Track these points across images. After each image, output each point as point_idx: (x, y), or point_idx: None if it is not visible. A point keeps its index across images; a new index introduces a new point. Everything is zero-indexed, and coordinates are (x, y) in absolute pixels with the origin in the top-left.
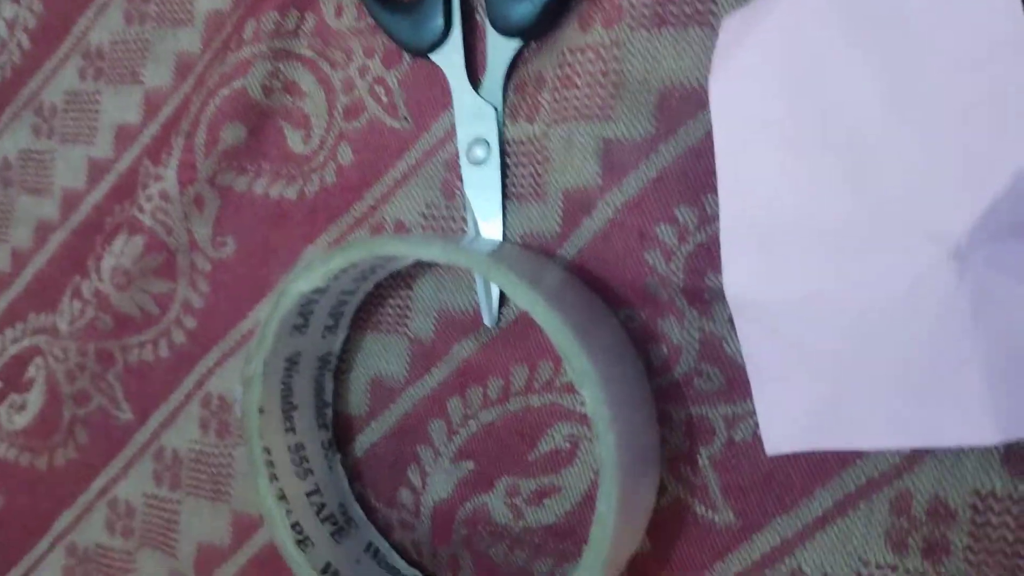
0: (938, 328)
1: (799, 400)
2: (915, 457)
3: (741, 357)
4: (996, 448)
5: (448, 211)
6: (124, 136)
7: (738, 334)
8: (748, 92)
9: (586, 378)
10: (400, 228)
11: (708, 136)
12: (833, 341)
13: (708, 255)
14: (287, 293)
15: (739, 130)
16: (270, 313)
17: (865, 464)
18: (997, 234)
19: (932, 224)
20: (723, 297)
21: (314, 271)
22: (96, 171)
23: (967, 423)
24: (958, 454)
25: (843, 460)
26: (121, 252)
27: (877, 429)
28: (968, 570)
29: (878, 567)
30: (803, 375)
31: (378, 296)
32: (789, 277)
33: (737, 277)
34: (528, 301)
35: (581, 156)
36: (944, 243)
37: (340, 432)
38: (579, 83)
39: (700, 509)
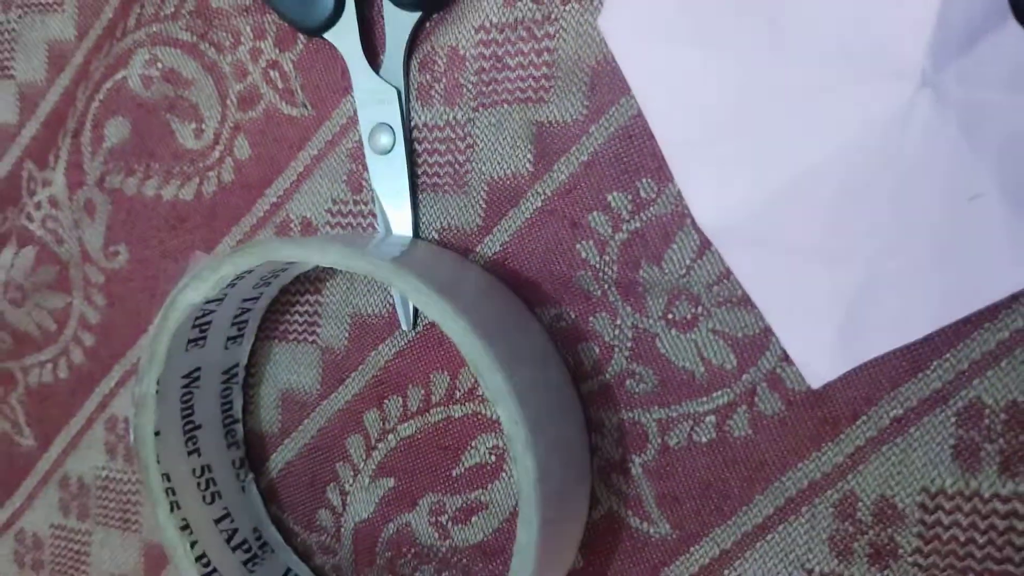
0: (936, 170)
1: (826, 313)
2: (860, 456)
3: (674, 356)
4: (946, 442)
5: (357, 206)
6: (2, 137)
7: (733, 270)
8: (643, 10)
9: (500, 395)
10: (307, 226)
11: (640, 115)
12: (831, 232)
13: (643, 243)
14: (175, 305)
15: (646, 53)
16: (159, 327)
17: (807, 466)
18: (958, 46)
19: (887, 63)
20: (656, 288)
21: (204, 280)
22: None
23: (1006, 267)
24: (905, 450)
25: (784, 464)
26: (11, 265)
27: (916, 313)
28: (917, 573)
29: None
30: (818, 283)
31: (285, 302)
32: (754, 177)
33: (704, 202)
34: (436, 311)
35: (512, 142)
36: (908, 76)
37: (253, 451)
38: (511, 63)
39: (634, 522)
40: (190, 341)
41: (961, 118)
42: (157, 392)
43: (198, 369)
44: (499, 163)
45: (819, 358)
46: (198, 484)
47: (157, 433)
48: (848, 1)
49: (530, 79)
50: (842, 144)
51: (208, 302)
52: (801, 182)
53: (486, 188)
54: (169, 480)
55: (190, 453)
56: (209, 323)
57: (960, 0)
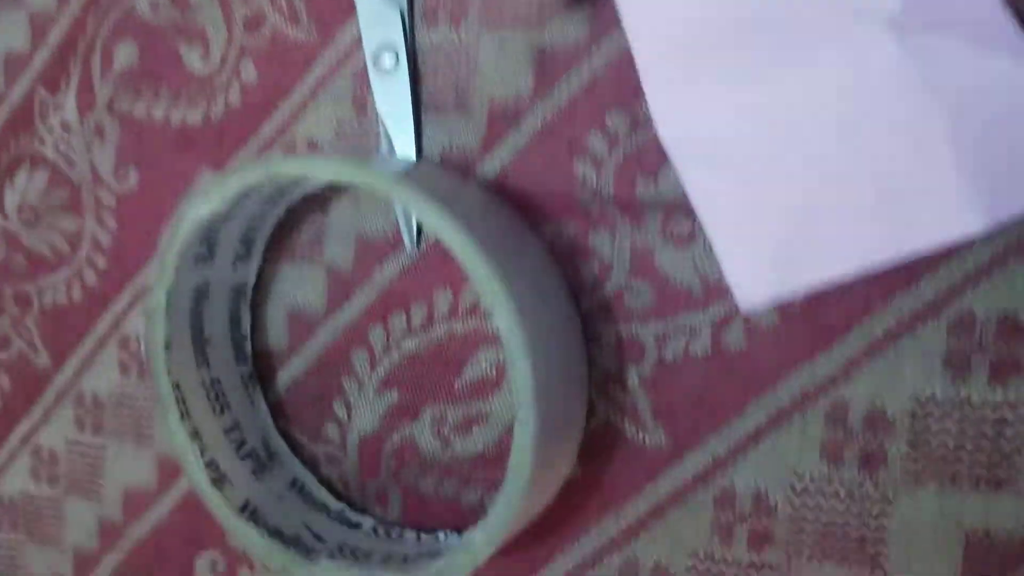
0: (893, 111)
1: (765, 239)
2: (852, 366)
3: (671, 270)
4: (938, 352)
5: (361, 127)
6: (14, 64)
7: (684, 183)
8: None
9: (498, 302)
10: (313, 148)
11: None
12: (785, 159)
13: (639, 161)
14: (184, 220)
15: None
16: (168, 241)
17: (800, 376)
18: None
19: (860, 1)
20: (656, 206)
21: (210, 196)
22: None
23: (949, 213)
24: (896, 360)
25: (777, 375)
26: (25, 188)
27: (855, 249)
28: (906, 479)
29: (812, 480)
30: (763, 209)
31: (292, 221)
32: (722, 96)
33: (668, 114)
34: (436, 222)
35: (514, 64)
36: (877, 16)
37: (261, 367)
38: None
39: (630, 431)
40: (198, 257)
41: (923, 63)
42: (167, 305)
43: (207, 284)
44: (500, 85)
45: (752, 282)
46: (207, 395)
47: (167, 345)
48: None
49: (533, 2)
50: (805, 73)
51: (214, 217)
52: (762, 104)
53: (487, 109)
54: (179, 389)
55: (200, 365)
56: (217, 239)
57: None
